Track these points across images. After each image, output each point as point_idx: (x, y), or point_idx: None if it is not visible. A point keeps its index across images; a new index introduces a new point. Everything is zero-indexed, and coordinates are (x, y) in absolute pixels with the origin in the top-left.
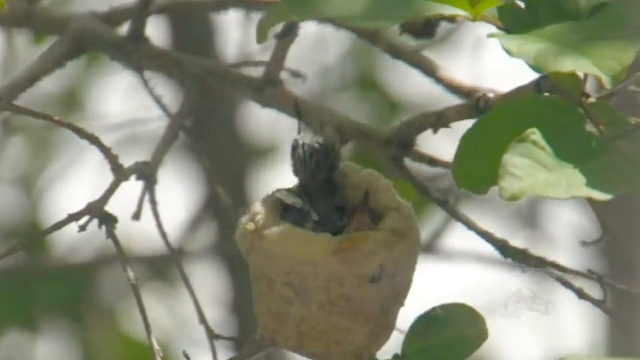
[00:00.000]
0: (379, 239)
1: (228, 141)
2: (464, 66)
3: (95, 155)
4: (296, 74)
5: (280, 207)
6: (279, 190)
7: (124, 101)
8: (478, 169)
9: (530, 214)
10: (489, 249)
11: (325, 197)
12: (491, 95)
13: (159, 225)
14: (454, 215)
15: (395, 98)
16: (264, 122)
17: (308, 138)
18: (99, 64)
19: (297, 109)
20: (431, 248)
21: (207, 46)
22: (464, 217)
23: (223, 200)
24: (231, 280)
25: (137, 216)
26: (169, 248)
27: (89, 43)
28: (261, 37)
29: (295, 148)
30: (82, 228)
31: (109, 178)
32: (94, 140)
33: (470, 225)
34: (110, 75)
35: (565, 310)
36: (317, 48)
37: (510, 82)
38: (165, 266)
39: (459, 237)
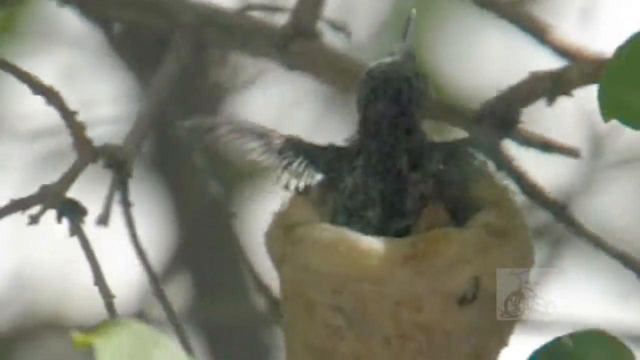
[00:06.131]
0: (469, 239)
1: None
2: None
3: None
4: (337, 26)
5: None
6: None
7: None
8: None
9: None
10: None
11: (387, 162)
12: None
13: (134, 237)
14: (577, 226)
15: (450, 89)
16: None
17: (379, 64)
18: (16, 34)
19: (408, 20)
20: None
21: None
22: (589, 232)
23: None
24: (209, 357)
25: (103, 220)
26: (152, 280)
27: None
28: None
29: (366, 76)
30: (34, 219)
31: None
32: (51, 95)
33: (600, 243)
34: (35, 52)
35: None
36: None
37: None
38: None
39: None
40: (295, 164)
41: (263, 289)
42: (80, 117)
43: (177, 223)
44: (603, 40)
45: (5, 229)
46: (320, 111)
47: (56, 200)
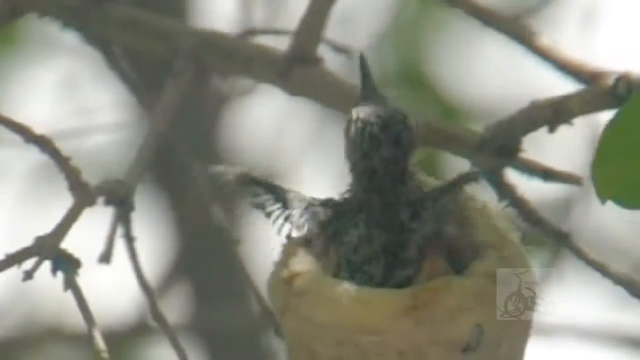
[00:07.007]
0: (469, 288)
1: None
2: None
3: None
4: (339, 48)
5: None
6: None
7: (54, 102)
8: (632, 172)
9: None
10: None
11: (390, 214)
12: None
13: (137, 269)
14: (580, 254)
15: (450, 99)
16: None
17: (366, 110)
18: (16, 43)
19: (362, 62)
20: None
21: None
22: (592, 259)
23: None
24: None
25: (105, 258)
26: (150, 302)
27: (27, 3)
28: None
29: (348, 126)
30: (28, 275)
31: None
32: (44, 144)
33: (605, 271)
34: (35, 60)
35: None
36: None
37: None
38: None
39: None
40: (297, 216)
41: (262, 302)
42: (79, 126)
43: (178, 232)
44: (604, 47)
45: (5, 234)
46: (320, 119)
47: (51, 252)
